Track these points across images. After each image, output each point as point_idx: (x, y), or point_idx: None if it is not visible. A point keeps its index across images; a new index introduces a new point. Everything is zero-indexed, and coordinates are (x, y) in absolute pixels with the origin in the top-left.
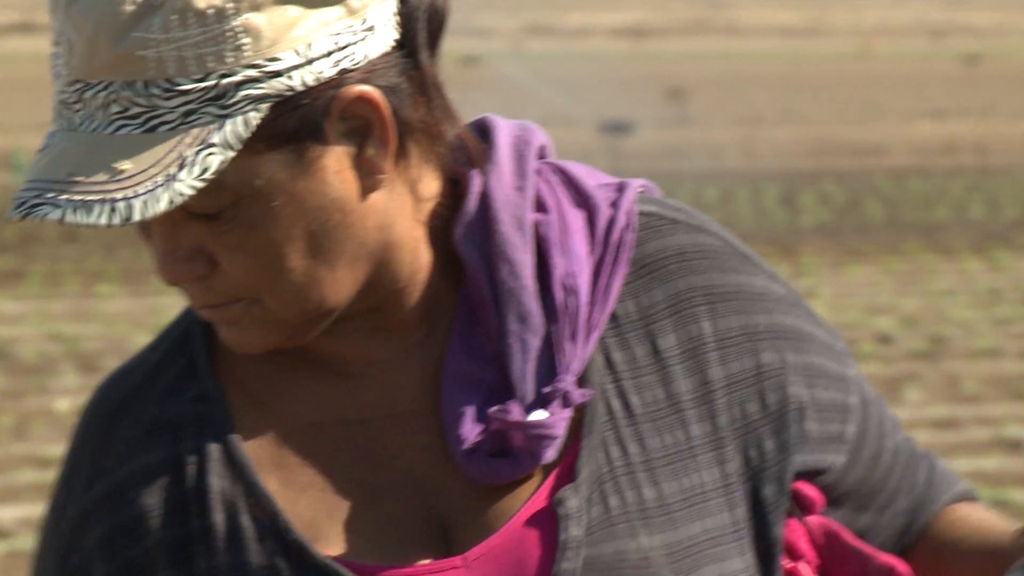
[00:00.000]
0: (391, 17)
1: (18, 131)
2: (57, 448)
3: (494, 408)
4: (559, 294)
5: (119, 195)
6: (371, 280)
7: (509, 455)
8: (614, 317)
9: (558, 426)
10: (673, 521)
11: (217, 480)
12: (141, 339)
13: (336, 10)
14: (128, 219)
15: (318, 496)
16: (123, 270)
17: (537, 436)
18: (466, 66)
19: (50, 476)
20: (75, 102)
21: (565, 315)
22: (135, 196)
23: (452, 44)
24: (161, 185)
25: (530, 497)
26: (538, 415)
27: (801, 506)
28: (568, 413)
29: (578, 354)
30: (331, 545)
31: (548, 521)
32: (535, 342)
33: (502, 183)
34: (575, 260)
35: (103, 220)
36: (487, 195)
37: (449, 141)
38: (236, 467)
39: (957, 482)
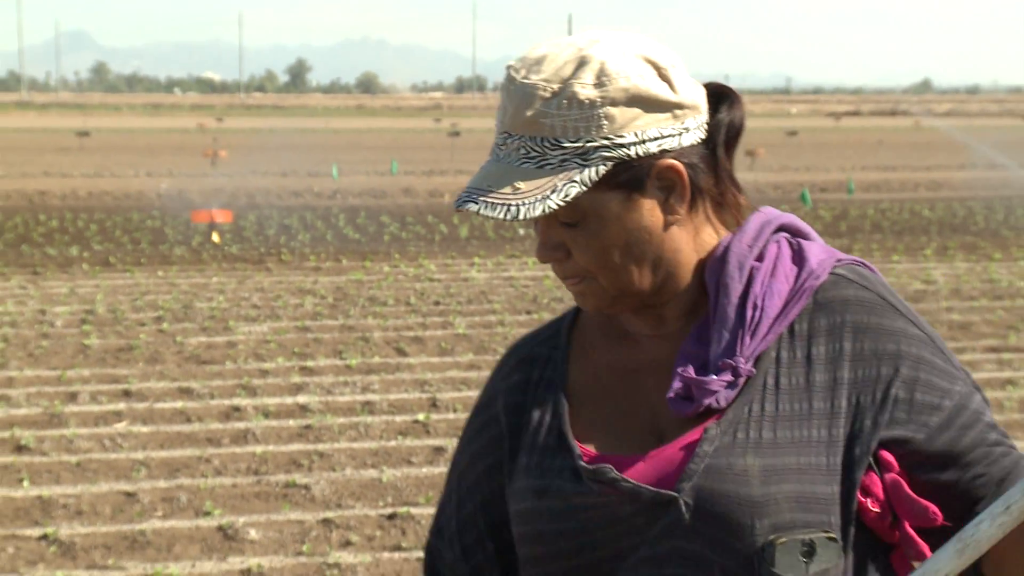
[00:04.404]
0: (702, 124)
1: None
2: None
3: (681, 368)
4: (748, 310)
5: (514, 201)
6: (662, 282)
7: (691, 399)
8: (791, 331)
9: (715, 384)
10: (776, 454)
11: (543, 392)
12: None
13: (666, 115)
14: (516, 217)
15: (596, 411)
16: None
17: (703, 389)
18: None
19: None
20: (502, 144)
21: (750, 323)
22: (523, 204)
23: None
24: (539, 200)
25: (699, 427)
26: (708, 378)
27: (880, 464)
28: (728, 378)
29: (753, 347)
30: (590, 440)
31: (698, 442)
32: (728, 337)
33: (741, 242)
34: (772, 293)
35: (500, 215)
36: (728, 248)
37: (732, 209)
38: (555, 387)
39: None
